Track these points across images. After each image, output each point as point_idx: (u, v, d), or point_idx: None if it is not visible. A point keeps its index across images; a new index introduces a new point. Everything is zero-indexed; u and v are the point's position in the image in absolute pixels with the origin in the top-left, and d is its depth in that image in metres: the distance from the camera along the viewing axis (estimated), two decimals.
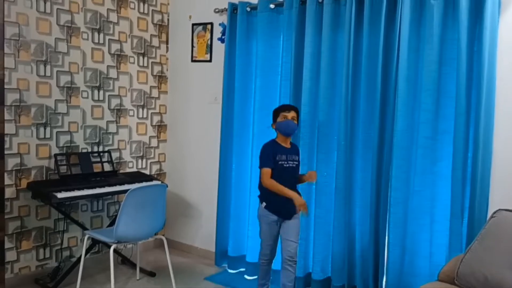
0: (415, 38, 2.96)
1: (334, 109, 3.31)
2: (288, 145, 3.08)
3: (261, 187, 3.07)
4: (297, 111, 3.09)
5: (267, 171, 2.97)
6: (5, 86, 3.16)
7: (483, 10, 2.71)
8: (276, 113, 3.08)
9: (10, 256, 3.37)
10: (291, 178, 3.04)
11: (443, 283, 2.47)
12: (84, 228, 3.69)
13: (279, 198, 2.96)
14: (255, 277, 3.73)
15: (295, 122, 3.04)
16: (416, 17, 2.95)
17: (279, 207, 3.03)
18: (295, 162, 3.05)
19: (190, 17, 4.23)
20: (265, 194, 3.06)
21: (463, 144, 2.80)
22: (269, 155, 2.99)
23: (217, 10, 3.97)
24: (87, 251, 3.50)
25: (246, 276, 3.79)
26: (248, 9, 3.72)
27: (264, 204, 3.07)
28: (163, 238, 3.44)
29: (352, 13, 3.12)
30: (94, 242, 3.59)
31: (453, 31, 2.84)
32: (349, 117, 3.19)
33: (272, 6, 3.57)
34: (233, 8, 3.78)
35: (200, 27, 4.16)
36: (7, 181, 3.27)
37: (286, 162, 3.01)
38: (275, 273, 3.33)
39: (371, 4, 3.06)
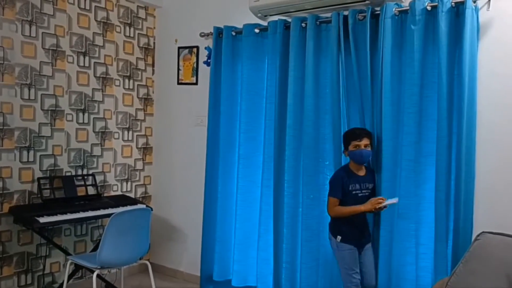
0: (397, 62, 3.00)
1: (319, 131, 3.32)
2: (362, 173, 2.97)
3: (332, 217, 3.00)
4: (369, 136, 2.95)
5: (334, 201, 2.90)
6: None
7: (462, 35, 2.77)
8: (347, 139, 2.95)
9: None
10: None
11: None
12: (67, 253, 3.63)
13: (354, 227, 2.93)
14: None
15: (369, 149, 2.91)
16: (397, 42, 3.00)
17: (356, 237, 2.95)
18: (368, 191, 2.96)
19: (176, 40, 4.26)
20: (338, 225, 2.96)
21: (445, 167, 2.82)
22: (339, 184, 2.91)
23: (202, 34, 4.00)
24: (70, 277, 3.45)
25: None
26: (233, 33, 3.76)
27: (339, 238, 2.93)
28: (148, 263, 3.39)
29: (334, 38, 3.17)
30: (77, 267, 3.53)
31: (434, 55, 2.89)
32: (335, 139, 3.20)
33: (257, 30, 3.61)
34: (218, 32, 3.83)
35: (186, 51, 4.20)
36: None
37: (360, 191, 2.92)
38: None
39: (354, 30, 3.11)
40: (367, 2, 3.08)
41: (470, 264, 2.38)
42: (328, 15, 3.25)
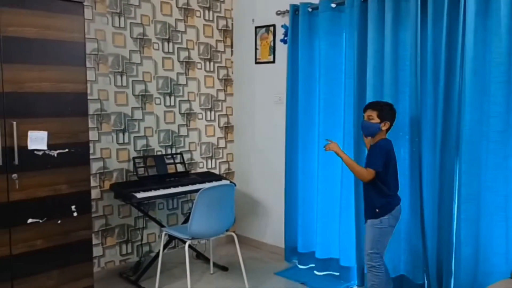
0: (481, 30, 2.87)
1: (399, 105, 3.27)
2: (368, 146, 3.10)
3: None
4: (376, 108, 2.95)
5: None
6: (88, 98, 3.45)
7: None
8: None
9: (97, 251, 3.67)
10: None
11: None
12: (161, 225, 3.93)
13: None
14: (325, 272, 3.82)
15: (374, 121, 2.93)
16: (482, 8, 2.85)
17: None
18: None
19: (253, 20, 4.35)
20: None
21: None
22: None
23: (279, 12, 4.05)
24: (164, 247, 3.73)
25: (316, 272, 3.86)
26: (310, 9, 3.77)
27: None
28: (234, 234, 3.58)
29: (414, 8, 3.09)
30: (171, 238, 3.82)
31: None
32: (414, 112, 3.16)
33: (333, 5, 3.59)
34: (294, 9, 3.85)
35: (263, 30, 4.27)
36: (92, 183, 3.57)
37: None
38: None
39: None
40: None
41: None
42: None
